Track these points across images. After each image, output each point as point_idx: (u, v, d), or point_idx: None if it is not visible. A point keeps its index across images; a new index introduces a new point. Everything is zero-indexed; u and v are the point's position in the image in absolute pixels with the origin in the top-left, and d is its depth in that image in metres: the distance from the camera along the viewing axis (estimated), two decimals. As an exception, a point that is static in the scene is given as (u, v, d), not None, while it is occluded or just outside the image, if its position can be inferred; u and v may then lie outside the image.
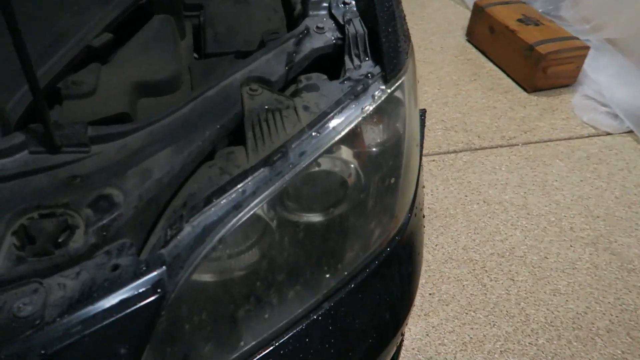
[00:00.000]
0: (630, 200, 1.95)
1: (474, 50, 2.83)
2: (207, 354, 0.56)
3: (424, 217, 0.84)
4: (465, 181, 2.00)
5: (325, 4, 0.83)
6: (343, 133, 0.64)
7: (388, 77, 0.70)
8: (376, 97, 0.68)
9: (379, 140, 0.70)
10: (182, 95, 0.73)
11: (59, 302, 0.48)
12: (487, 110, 2.40)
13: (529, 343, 1.47)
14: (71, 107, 0.64)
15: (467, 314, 1.53)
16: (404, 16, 0.86)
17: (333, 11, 0.81)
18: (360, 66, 0.73)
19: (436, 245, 1.74)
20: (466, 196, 1.93)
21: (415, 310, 1.53)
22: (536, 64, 2.43)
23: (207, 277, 0.58)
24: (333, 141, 0.63)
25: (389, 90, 0.70)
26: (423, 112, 0.86)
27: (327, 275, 0.65)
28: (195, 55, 0.85)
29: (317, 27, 0.79)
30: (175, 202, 0.59)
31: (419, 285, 1.56)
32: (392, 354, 0.79)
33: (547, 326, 1.51)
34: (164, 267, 0.52)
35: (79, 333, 0.47)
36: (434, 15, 3.16)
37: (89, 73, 0.67)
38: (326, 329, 0.65)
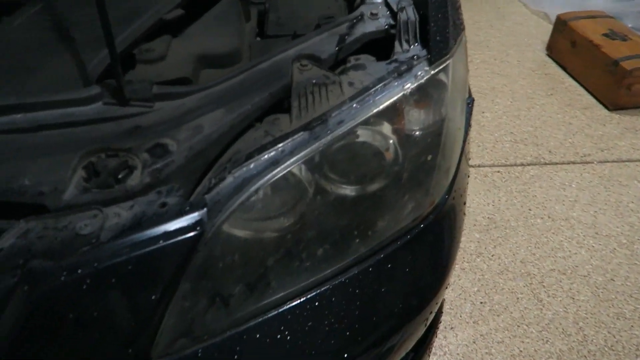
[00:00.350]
0: None
1: (553, 64, 2.73)
2: (236, 294, 0.61)
3: (464, 204, 0.84)
4: (531, 195, 1.93)
5: (381, -8, 0.87)
6: (382, 107, 0.67)
7: (433, 59, 0.73)
8: (418, 77, 0.71)
9: (419, 119, 0.73)
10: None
11: (113, 228, 0.55)
12: (562, 125, 2.30)
13: (585, 364, 1.39)
14: (142, 71, 0.73)
15: (519, 326, 1.48)
16: (459, 6, 0.87)
17: (388, -1, 0.85)
18: (408, 50, 0.76)
19: (492, 256, 1.69)
20: (530, 210, 1.87)
21: (463, 317, 1.50)
22: (620, 80, 2.30)
23: (241, 233, 0.63)
24: (371, 113, 0.66)
25: (432, 72, 0.72)
26: (471, 100, 0.87)
27: (357, 241, 0.68)
28: (258, 38, 0.92)
29: (372, 14, 0.83)
30: (222, 158, 0.65)
31: (472, 292, 1.54)
32: (418, 333, 0.80)
33: (606, 349, 1.42)
34: (205, 209, 0.58)
35: (126, 254, 0.54)
36: (513, 28, 3.09)
37: (161, 42, 0.76)
38: (352, 293, 0.68)
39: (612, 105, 2.38)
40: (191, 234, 0.57)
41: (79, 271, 0.52)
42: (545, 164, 2.08)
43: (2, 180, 0.56)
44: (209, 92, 0.68)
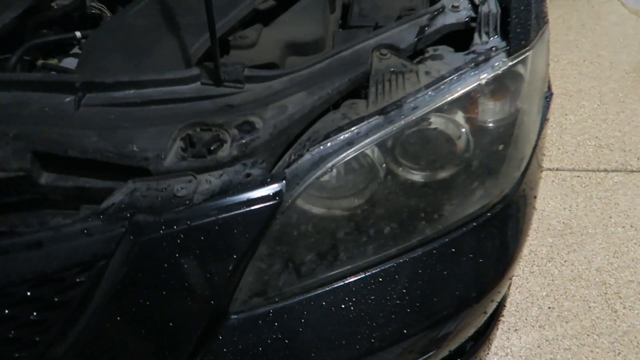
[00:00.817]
0: None
1: (650, 67, 2.55)
2: (307, 262, 0.67)
3: (535, 197, 0.84)
4: (613, 202, 1.83)
5: (463, -16, 0.88)
6: (456, 95, 0.70)
7: (512, 50, 0.74)
8: (496, 68, 0.72)
9: (493, 110, 0.74)
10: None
11: (204, 192, 0.62)
12: (655, 132, 2.16)
13: (659, 382, 1.32)
14: (236, 56, 0.80)
15: (589, 335, 1.43)
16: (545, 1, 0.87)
17: (470, -9, 0.86)
18: (487, 42, 0.78)
19: (565, 262, 1.63)
20: (610, 217, 1.78)
21: (529, 320, 1.47)
22: None
23: (315, 209, 0.69)
24: (445, 100, 0.69)
25: (510, 63, 0.73)
26: (549, 95, 0.87)
27: (423, 223, 0.71)
28: (341, 29, 0.97)
29: (453, 6, 0.85)
30: (303, 137, 0.71)
31: (540, 296, 1.51)
32: (477, 322, 0.81)
33: (686, 369, 1.34)
34: (284, 181, 0.64)
35: (215, 215, 0.61)
36: (608, 29, 2.91)
37: (253, 30, 0.83)
38: (415, 273, 0.71)
39: None
40: (271, 202, 0.62)
41: (175, 227, 0.60)
42: (632, 171, 1.96)
43: (116, 146, 0.65)
44: (294, 76, 0.74)
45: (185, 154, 0.66)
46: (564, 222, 1.76)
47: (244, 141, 0.67)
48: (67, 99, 0.71)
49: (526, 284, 1.56)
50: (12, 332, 0.59)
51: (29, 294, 0.58)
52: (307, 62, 0.76)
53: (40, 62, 0.89)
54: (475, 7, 0.83)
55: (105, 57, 0.79)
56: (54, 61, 0.90)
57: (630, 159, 2.02)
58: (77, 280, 0.58)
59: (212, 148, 0.67)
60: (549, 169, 1.98)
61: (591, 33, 2.89)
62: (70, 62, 0.91)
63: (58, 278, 0.58)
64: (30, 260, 0.58)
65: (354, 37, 0.90)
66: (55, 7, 0.98)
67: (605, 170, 1.98)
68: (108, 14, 1.01)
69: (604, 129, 2.19)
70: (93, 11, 1.00)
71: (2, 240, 0.59)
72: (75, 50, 0.94)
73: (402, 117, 0.68)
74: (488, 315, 0.83)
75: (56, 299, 0.58)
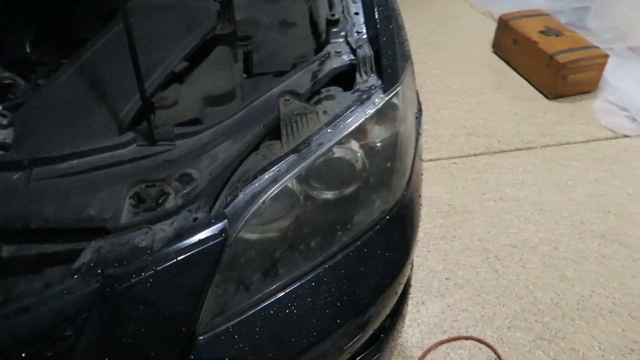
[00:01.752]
0: (642, 197, 2.09)
1: (499, 61, 3.01)
2: (255, 281, 0.82)
3: (420, 196, 1.07)
4: (484, 181, 2.19)
5: (342, 33, 1.07)
6: (350, 129, 0.88)
7: (386, 87, 0.94)
8: (376, 103, 0.92)
9: (379, 135, 0.94)
10: (237, 104, 1.00)
11: (161, 240, 0.75)
12: (509, 116, 2.57)
13: (535, 320, 1.64)
14: (161, 115, 0.92)
15: (479, 295, 1.73)
16: (405, 40, 1.09)
17: (348, 39, 1.06)
18: (367, 80, 0.98)
19: (454, 237, 1.94)
20: (484, 194, 2.12)
21: (432, 292, 1.74)
22: (556, 72, 2.59)
23: (254, 236, 0.83)
24: (342, 134, 0.87)
25: (386, 98, 0.93)
26: (419, 114, 1.09)
27: (340, 233, 0.89)
28: (244, 75, 1.12)
29: (336, 52, 1.04)
30: (233, 179, 0.85)
31: (437, 270, 1.78)
32: (392, 303, 1.01)
33: (553, 307, 1.68)
34: (226, 220, 0.78)
35: (174, 258, 0.73)
36: (462, 28, 3.36)
37: (173, 90, 0.95)
38: (339, 273, 0.89)
39: (552, 95, 2.67)
40: (218, 239, 0.76)
41: (143, 273, 0.71)
42: (496, 152, 2.35)
43: (74, 212, 0.75)
44: (217, 128, 0.88)
45: (137, 209, 0.78)
46: (448, 204, 2.07)
47: (185, 191, 0.80)
48: (16, 176, 0.79)
49: (425, 262, 1.83)
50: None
51: (23, 355, 0.66)
52: (226, 114, 0.91)
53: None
54: (354, 51, 1.03)
55: (40, 131, 0.87)
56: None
57: (493, 142, 2.40)
58: (65, 334, 0.68)
59: (159, 201, 0.79)
60: (431, 160, 2.29)
61: (450, 33, 3.31)
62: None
63: (48, 335, 0.67)
64: (22, 325, 0.66)
65: (259, 84, 1.06)
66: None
67: (475, 154, 2.34)
68: (22, 83, 1.07)
69: (470, 119, 2.56)
70: (6, 81, 1.05)
71: (-11, 312, 0.66)
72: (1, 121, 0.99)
73: (312, 152, 0.85)
74: (399, 295, 1.03)
75: (49, 354, 0.67)
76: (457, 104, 2.67)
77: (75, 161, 0.81)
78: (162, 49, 0.97)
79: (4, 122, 1.00)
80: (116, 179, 0.80)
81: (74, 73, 0.93)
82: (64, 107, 0.89)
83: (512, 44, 2.89)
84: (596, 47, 2.66)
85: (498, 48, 3.04)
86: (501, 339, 1.60)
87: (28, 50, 1.11)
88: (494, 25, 3.16)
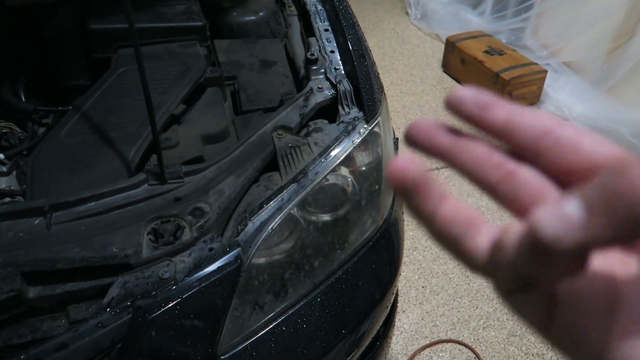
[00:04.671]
0: (588, 198, 2.30)
1: (449, 79, 3.22)
2: (268, 301, 0.89)
3: (403, 213, 1.18)
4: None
5: (322, 70, 1.18)
6: (341, 158, 0.99)
7: (368, 119, 1.05)
8: (361, 133, 1.03)
9: (366, 161, 1.05)
10: (232, 141, 1.08)
11: (183, 270, 0.82)
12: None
13: (506, 319, 1.78)
14: (166, 155, 0.99)
15: (454, 300, 1.85)
16: (378, 73, 1.22)
17: (328, 75, 1.17)
18: (349, 112, 1.09)
19: (425, 247, 2.06)
20: (449, 205, 2.27)
21: (411, 300, 1.85)
22: (503, 88, 2.81)
23: (264, 260, 0.92)
24: (335, 164, 0.98)
25: (369, 128, 1.05)
26: (396, 140, 1.21)
27: (339, 252, 0.98)
28: (235, 115, 1.21)
29: (318, 87, 1.14)
30: (239, 209, 0.93)
31: (414, 280, 1.89)
32: (385, 313, 1.11)
33: (521, 305, 1.83)
34: (239, 248, 0.86)
35: (196, 287, 0.80)
36: (413, 51, 3.56)
37: (173, 131, 1.02)
38: (340, 288, 0.98)
39: (500, 108, 2.88)
40: (234, 266, 0.84)
41: (171, 302, 0.78)
42: (455, 165, 2.51)
43: (98, 251, 0.81)
44: (220, 164, 0.96)
45: (156, 244, 0.84)
46: (417, 217, 2.21)
47: (199, 224, 0.87)
48: (36, 222, 0.84)
49: (403, 273, 1.95)
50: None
51: (65, 388, 0.71)
52: (225, 150, 0.99)
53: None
54: (334, 86, 1.14)
55: (52, 178, 0.92)
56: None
57: (451, 156, 2.57)
58: (103, 364, 0.74)
59: (176, 235, 0.86)
60: (397, 176, 2.42)
61: (401, 56, 3.51)
62: (-4, 182, 1.00)
63: (87, 367, 0.73)
64: (61, 360, 0.71)
65: (249, 120, 1.14)
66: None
67: (437, 168, 2.49)
68: (18, 131, 1.11)
69: (429, 135, 2.73)
70: (4, 130, 1.09)
71: (31, 350, 0.71)
72: (1, 169, 1.03)
73: (310, 181, 0.95)
74: (390, 307, 1.14)
75: (90, 385, 0.73)
76: (415, 122, 2.84)
77: (92, 203, 0.87)
78: (160, 93, 1.04)
79: (4, 169, 1.05)
80: (133, 217, 0.87)
81: (78, 120, 0.99)
82: (73, 153, 0.95)
83: (460, 63, 3.11)
84: (535, 63, 2.91)
85: (447, 67, 3.26)
86: (478, 339, 1.72)
87: (23, 99, 1.15)
88: (441, 46, 3.38)
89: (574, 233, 0.17)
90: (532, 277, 0.20)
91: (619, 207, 0.17)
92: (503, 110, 0.23)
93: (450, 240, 0.24)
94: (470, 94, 0.24)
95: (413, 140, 0.25)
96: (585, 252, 0.18)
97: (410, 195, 0.24)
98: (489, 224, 0.23)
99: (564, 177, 0.22)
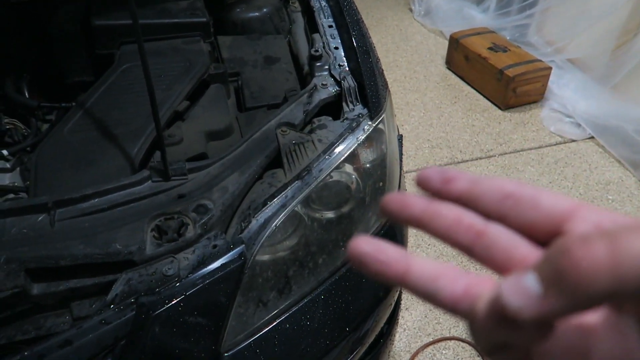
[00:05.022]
0: (592, 195, 2.29)
1: (453, 76, 3.21)
2: (271, 299, 0.89)
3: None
4: (451, 190, 2.33)
5: (326, 67, 1.18)
6: (345, 155, 0.98)
7: (372, 115, 1.05)
8: (365, 130, 1.03)
9: (370, 158, 1.04)
10: (235, 137, 1.08)
11: (186, 267, 0.81)
12: (467, 128, 2.75)
13: (510, 317, 1.78)
14: (169, 152, 0.99)
15: (458, 297, 1.85)
16: (382, 70, 1.21)
17: (332, 72, 1.16)
18: (353, 109, 1.08)
19: (429, 245, 2.06)
20: (452, 202, 2.26)
21: (414, 297, 1.84)
22: (507, 85, 2.80)
23: (268, 257, 0.91)
24: (339, 161, 0.97)
25: (374, 125, 1.04)
26: (400, 137, 1.21)
27: (343, 249, 0.98)
28: (239, 112, 1.20)
29: (322, 84, 1.14)
30: (242, 206, 0.93)
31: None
32: (388, 311, 1.11)
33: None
34: (243, 245, 0.85)
35: (200, 284, 0.80)
36: (416, 48, 3.55)
37: (177, 128, 1.02)
38: (344, 286, 0.98)
39: (504, 106, 2.87)
40: (238, 263, 0.84)
41: (174, 299, 0.78)
42: (459, 162, 2.51)
43: (101, 248, 0.80)
44: (224, 161, 0.96)
45: (160, 241, 0.84)
46: (421, 214, 2.20)
47: (203, 221, 0.87)
48: (40, 218, 0.84)
49: (406, 271, 1.94)
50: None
51: (70, 384, 0.71)
52: (228, 147, 0.99)
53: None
54: (338, 83, 1.14)
55: (55, 175, 0.92)
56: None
57: (455, 153, 2.56)
58: (107, 361, 0.74)
59: (180, 232, 0.86)
60: (401, 174, 2.42)
61: (405, 52, 3.50)
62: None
63: (91, 364, 0.72)
64: (65, 357, 0.71)
65: (253, 117, 1.14)
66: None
67: (440, 165, 2.49)
68: (22, 128, 1.11)
69: (432, 132, 2.72)
70: (8, 127, 1.09)
71: (35, 347, 0.71)
72: (4, 165, 1.03)
73: (314, 178, 0.94)
74: (393, 305, 1.13)
75: (94, 382, 0.73)
76: (419, 119, 2.83)
77: (96, 200, 0.86)
78: (164, 89, 1.04)
79: (8, 165, 1.05)
80: (136, 214, 0.86)
81: (82, 116, 0.99)
82: (76, 150, 0.95)
83: (464, 60, 3.09)
84: (539, 60, 2.90)
85: (451, 64, 3.25)
86: (481, 337, 1.72)
87: (27, 95, 1.15)
88: (445, 43, 3.37)
89: (532, 306, 0.19)
90: (505, 342, 0.22)
91: (568, 286, 0.18)
92: (464, 182, 0.25)
93: (426, 296, 0.25)
94: (435, 172, 0.27)
95: (388, 213, 0.27)
96: (548, 322, 0.20)
97: (369, 267, 0.25)
98: (461, 273, 0.24)
99: (530, 232, 0.23)
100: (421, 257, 0.25)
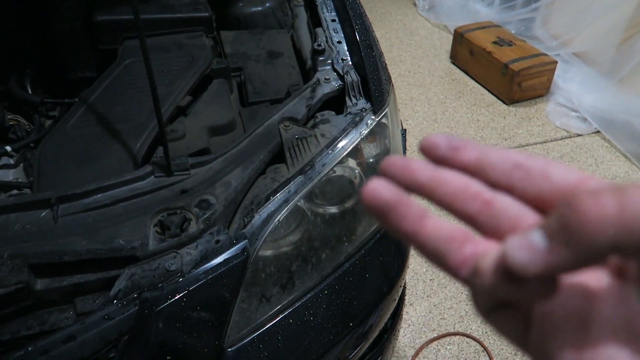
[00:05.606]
0: (598, 191, 2.27)
1: (458, 71, 3.19)
2: (275, 294, 0.89)
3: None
4: (456, 185, 2.32)
5: (329, 61, 1.17)
6: (349, 149, 0.98)
7: (376, 110, 1.04)
8: (369, 124, 1.02)
9: (373, 153, 1.04)
10: (238, 132, 1.07)
11: (189, 262, 0.81)
12: (472, 123, 2.74)
13: (515, 312, 1.77)
14: (172, 147, 0.98)
15: (462, 293, 1.84)
16: (385, 64, 1.20)
17: (335, 66, 1.16)
18: (356, 104, 1.07)
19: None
20: (457, 198, 2.25)
21: (418, 293, 1.85)
22: (512, 79, 2.78)
23: (271, 252, 0.91)
24: (342, 155, 0.96)
25: (377, 119, 1.03)
26: (404, 132, 1.20)
27: (346, 244, 0.98)
28: (242, 107, 1.20)
29: (325, 79, 1.13)
30: (245, 202, 0.93)
31: (421, 272, 1.88)
32: (392, 307, 1.10)
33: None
34: (246, 240, 0.85)
35: (203, 279, 0.80)
36: (421, 42, 3.53)
37: (179, 123, 1.02)
38: (347, 281, 0.98)
39: (509, 100, 2.85)
40: (241, 258, 0.83)
41: (177, 294, 0.78)
42: (464, 157, 2.49)
43: (104, 243, 0.80)
44: (227, 156, 0.95)
45: (162, 236, 0.84)
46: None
47: (206, 216, 0.87)
48: (43, 214, 0.84)
49: (410, 266, 1.94)
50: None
51: (73, 379, 0.71)
52: (231, 142, 0.98)
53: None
54: (341, 77, 1.13)
55: (58, 170, 0.92)
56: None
57: (460, 148, 2.55)
58: (110, 356, 0.74)
59: (183, 227, 0.85)
60: (405, 169, 2.41)
61: (409, 47, 3.48)
62: (2, 174, 1.00)
63: (94, 359, 0.73)
64: (69, 352, 0.71)
65: (255, 112, 1.14)
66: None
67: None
68: (25, 124, 1.11)
69: (437, 128, 2.71)
70: (11, 123, 1.09)
71: (39, 342, 0.71)
72: (8, 161, 1.03)
73: (317, 173, 0.94)
74: (398, 297, 1.13)
75: (97, 376, 0.73)
76: (423, 114, 2.82)
77: (99, 195, 0.86)
78: (167, 84, 1.04)
79: (11, 162, 1.05)
80: (139, 210, 0.86)
81: (85, 112, 0.99)
82: (79, 145, 0.95)
83: (468, 54, 3.07)
84: (545, 54, 2.87)
85: (456, 59, 3.23)
86: (486, 332, 1.72)
87: (30, 91, 1.15)
88: (450, 38, 3.35)
89: (538, 260, 0.19)
90: (507, 299, 0.22)
91: (574, 237, 0.18)
92: (474, 151, 0.25)
93: (433, 256, 0.24)
94: (442, 139, 0.25)
95: (389, 177, 0.25)
96: (553, 277, 0.20)
97: (385, 217, 0.24)
98: (472, 238, 0.24)
99: (538, 204, 0.23)
100: (436, 215, 0.24)
